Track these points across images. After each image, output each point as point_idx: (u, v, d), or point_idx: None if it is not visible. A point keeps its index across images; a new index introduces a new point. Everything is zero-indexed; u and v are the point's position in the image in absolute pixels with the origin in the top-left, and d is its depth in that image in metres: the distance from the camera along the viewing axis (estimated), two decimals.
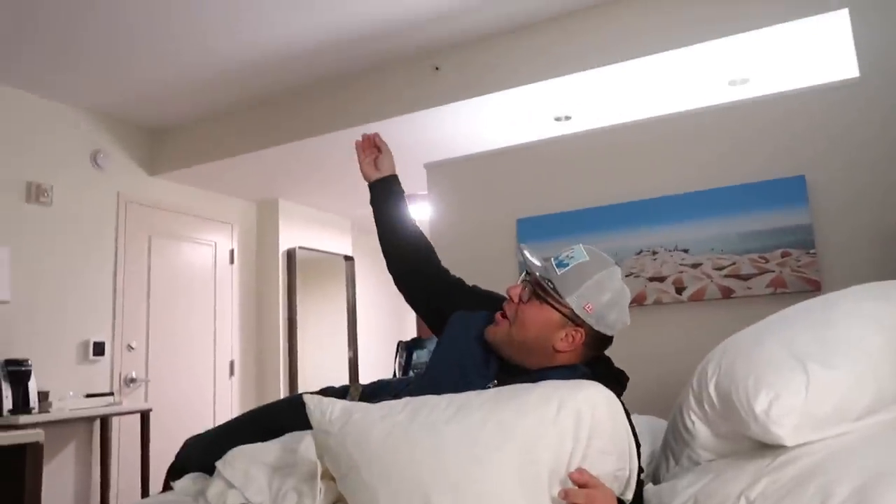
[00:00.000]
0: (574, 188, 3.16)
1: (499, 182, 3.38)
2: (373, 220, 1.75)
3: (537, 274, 1.36)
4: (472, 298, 1.62)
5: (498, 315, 1.41)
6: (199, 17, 3.35)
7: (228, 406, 5.09)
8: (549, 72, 3.49)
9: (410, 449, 1.08)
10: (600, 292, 1.31)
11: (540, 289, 1.35)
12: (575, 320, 1.33)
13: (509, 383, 1.21)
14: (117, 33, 3.47)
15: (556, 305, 1.33)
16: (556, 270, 1.34)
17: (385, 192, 1.73)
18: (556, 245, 1.50)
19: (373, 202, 1.75)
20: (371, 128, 4.04)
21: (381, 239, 1.74)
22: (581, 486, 0.98)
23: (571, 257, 1.35)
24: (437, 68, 3.80)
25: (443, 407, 1.12)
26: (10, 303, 3.58)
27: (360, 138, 1.77)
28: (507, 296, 1.41)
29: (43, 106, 4.12)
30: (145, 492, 3.90)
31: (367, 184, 1.76)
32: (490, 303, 1.53)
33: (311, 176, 5.04)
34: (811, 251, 2.59)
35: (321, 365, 5.70)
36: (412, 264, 1.69)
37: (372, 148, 1.76)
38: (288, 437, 1.44)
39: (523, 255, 1.40)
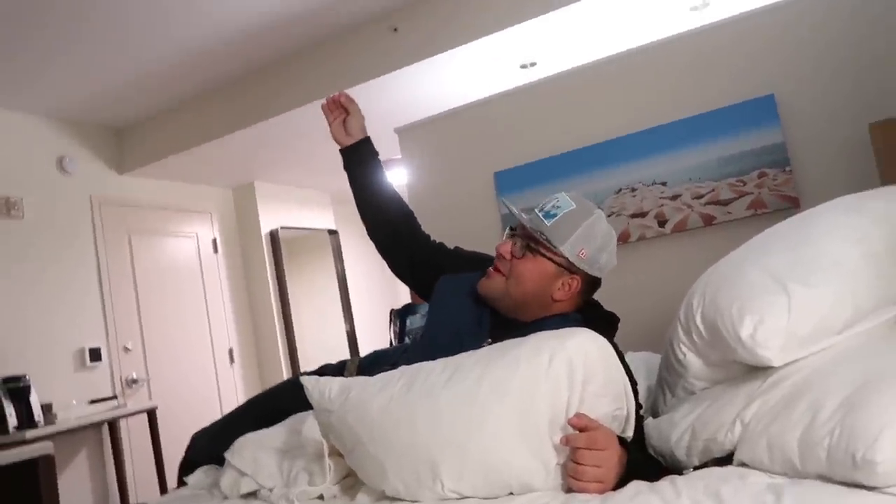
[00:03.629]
0: (547, 134, 3.14)
1: (472, 137, 3.36)
2: (351, 201, 1.72)
3: (528, 227, 1.35)
4: (456, 261, 1.62)
5: (490, 269, 1.40)
6: (153, 4, 3.25)
7: (233, 393, 5.12)
8: (511, 18, 3.43)
9: (410, 417, 1.09)
10: (591, 237, 1.33)
11: (533, 241, 1.35)
12: (570, 268, 1.34)
13: (504, 339, 1.22)
14: (72, 32, 3.37)
15: (551, 256, 1.34)
16: (545, 221, 1.34)
17: (357, 157, 1.69)
18: (537, 194, 1.50)
19: (346, 168, 1.71)
20: None
21: (358, 206, 1.71)
22: (581, 429, 1.00)
23: (558, 206, 1.34)
24: (395, 29, 3.73)
25: (438, 372, 1.14)
26: None
27: (325, 101, 1.72)
28: (496, 253, 1.40)
29: (2, 117, 4.02)
30: (163, 487, 3.95)
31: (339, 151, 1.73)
32: (474, 263, 1.54)
33: (283, 155, 4.98)
34: (787, 168, 2.60)
35: (320, 341, 5.73)
36: (392, 231, 1.68)
37: (339, 109, 1.70)
38: (291, 419, 1.45)
39: (510, 209, 1.39)
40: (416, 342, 1.56)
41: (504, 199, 1.45)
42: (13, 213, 3.93)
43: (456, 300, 1.48)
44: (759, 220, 2.62)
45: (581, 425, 1.00)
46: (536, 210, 1.38)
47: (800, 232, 1.14)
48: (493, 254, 1.47)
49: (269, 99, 4.16)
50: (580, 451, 0.98)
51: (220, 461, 1.48)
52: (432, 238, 1.72)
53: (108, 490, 4.11)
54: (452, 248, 1.69)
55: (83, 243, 4.34)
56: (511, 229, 1.43)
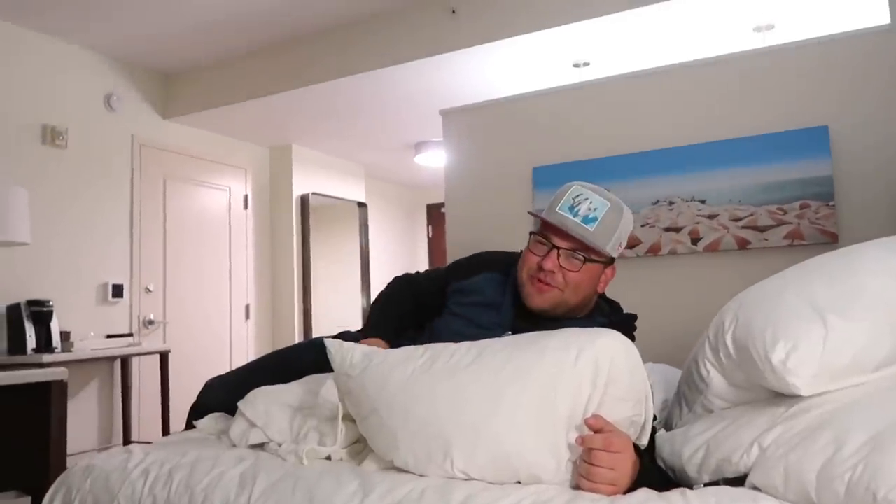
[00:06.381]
0: (592, 136, 3.12)
1: (515, 129, 3.34)
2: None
3: (588, 242, 1.34)
4: (462, 273, 1.59)
5: (543, 286, 1.38)
6: None
7: (245, 348, 5.18)
8: (569, 16, 3.40)
9: (429, 393, 1.10)
10: (625, 233, 1.41)
11: (594, 254, 1.36)
12: (610, 263, 1.42)
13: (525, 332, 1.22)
14: None
15: (598, 259, 1.38)
16: (587, 227, 1.34)
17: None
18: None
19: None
20: (385, 73, 4.00)
21: None
22: (597, 431, 1.00)
23: (595, 209, 1.35)
24: (453, 11, 3.71)
25: (462, 352, 1.14)
26: (31, 245, 3.63)
27: None
28: (543, 269, 1.37)
29: (56, 48, 4.08)
30: (166, 429, 4.02)
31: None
32: (479, 267, 1.54)
33: (324, 121, 5.00)
34: (830, 203, 2.56)
35: (335, 310, 5.77)
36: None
37: None
38: (308, 379, 1.47)
39: (569, 220, 1.35)
40: (434, 332, 1.54)
41: (558, 212, 1.38)
42: (57, 142, 4.00)
43: (473, 307, 1.48)
44: (795, 251, 2.59)
45: (598, 426, 1.01)
46: (567, 213, 1.36)
47: (843, 265, 1.12)
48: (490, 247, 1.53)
49: (317, 64, 4.17)
50: (595, 452, 0.98)
51: (231, 410, 1.50)
52: (423, 278, 1.68)
53: (113, 422, 4.20)
54: (445, 270, 1.65)
55: (120, 181, 4.41)
56: (537, 234, 1.41)
